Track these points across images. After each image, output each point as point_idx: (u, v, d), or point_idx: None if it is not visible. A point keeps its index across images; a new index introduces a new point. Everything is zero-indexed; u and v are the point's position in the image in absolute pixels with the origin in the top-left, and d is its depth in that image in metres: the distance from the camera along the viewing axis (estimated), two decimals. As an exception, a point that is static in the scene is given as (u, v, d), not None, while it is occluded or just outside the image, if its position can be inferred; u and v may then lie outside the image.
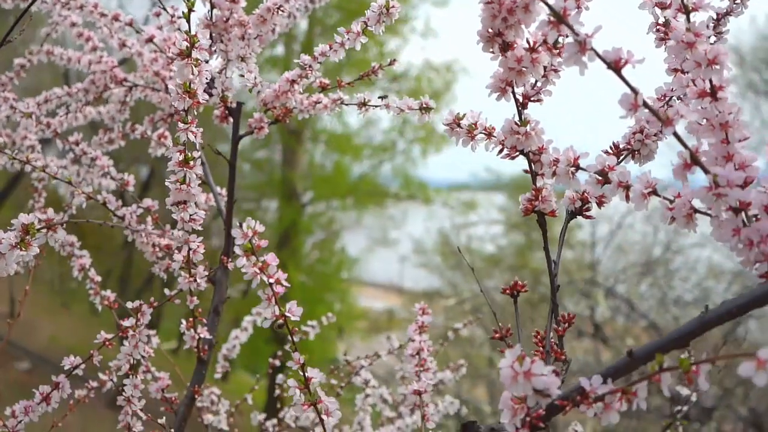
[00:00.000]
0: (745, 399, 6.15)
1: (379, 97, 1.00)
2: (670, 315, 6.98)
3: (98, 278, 1.12)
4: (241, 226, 0.62)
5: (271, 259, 0.64)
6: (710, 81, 0.55)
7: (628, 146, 0.70)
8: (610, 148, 0.70)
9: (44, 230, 0.67)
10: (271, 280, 0.63)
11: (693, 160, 0.52)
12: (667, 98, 0.70)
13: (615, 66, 0.51)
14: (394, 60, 1.03)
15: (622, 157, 0.70)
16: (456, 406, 1.34)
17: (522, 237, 10.16)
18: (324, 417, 0.66)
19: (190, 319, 0.98)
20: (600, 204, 0.69)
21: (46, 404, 0.92)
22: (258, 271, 0.63)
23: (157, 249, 1.04)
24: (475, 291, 8.37)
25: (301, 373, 0.66)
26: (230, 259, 1.00)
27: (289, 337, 0.66)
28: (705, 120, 0.56)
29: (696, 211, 0.55)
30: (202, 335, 0.99)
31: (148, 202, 1.08)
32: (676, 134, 0.52)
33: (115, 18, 1.12)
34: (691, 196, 0.55)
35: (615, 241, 7.40)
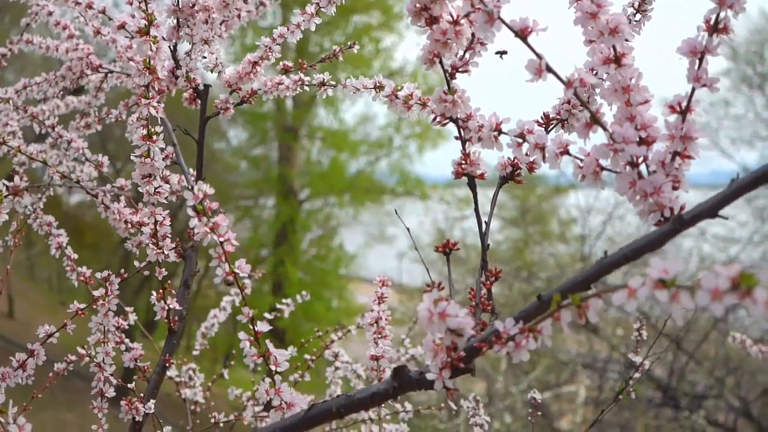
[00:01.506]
0: (736, 388, 6.22)
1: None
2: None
3: (75, 256, 1.17)
4: (192, 189, 0.67)
5: (221, 219, 0.69)
6: (614, 48, 0.60)
7: (558, 116, 0.75)
8: (541, 117, 0.75)
9: (11, 197, 0.72)
10: (222, 239, 0.68)
11: (593, 120, 0.57)
12: (594, 71, 0.75)
13: (522, 34, 0.56)
14: (355, 43, 1.08)
15: (551, 126, 0.75)
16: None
17: (518, 232, 10.21)
18: (272, 367, 0.71)
19: (160, 290, 1.03)
20: (531, 169, 0.74)
21: (22, 371, 0.97)
22: (209, 230, 0.68)
23: (129, 226, 1.08)
24: (468, 284, 8.45)
25: (251, 327, 0.71)
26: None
27: (240, 293, 0.71)
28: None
29: (603, 168, 0.60)
30: (172, 306, 1.04)
31: (121, 181, 1.13)
32: (576, 95, 0.57)
33: (89, 6, 1.16)
34: (597, 155, 0.60)
35: (607, 232, 7.46)
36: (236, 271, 0.69)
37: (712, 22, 0.58)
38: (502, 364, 6.27)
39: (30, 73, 1.50)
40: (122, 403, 1.01)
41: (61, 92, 1.30)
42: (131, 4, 1.16)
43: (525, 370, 6.29)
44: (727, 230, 7.50)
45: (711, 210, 0.53)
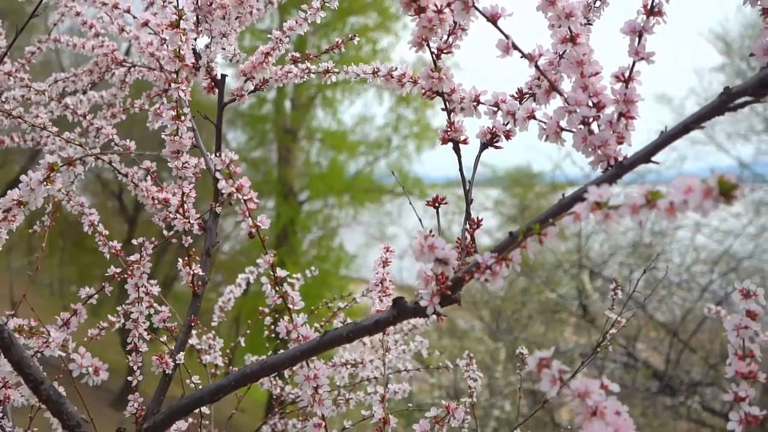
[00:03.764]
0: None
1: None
2: (659, 297, 7.21)
3: (106, 232, 1.29)
4: (220, 155, 0.80)
5: (245, 181, 0.82)
6: (569, 29, 0.73)
7: (530, 90, 0.87)
8: (516, 92, 0.88)
9: (65, 167, 0.85)
10: (246, 197, 0.81)
11: (552, 87, 0.70)
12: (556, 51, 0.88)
13: (492, 19, 0.69)
14: (355, 35, 1.21)
15: (525, 99, 0.87)
16: (426, 344, 1.52)
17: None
18: (290, 306, 0.84)
19: (186, 258, 1.16)
20: (507, 137, 0.86)
21: (66, 328, 1.09)
22: (235, 190, 0.81)
23: (156, 202, 1.21)
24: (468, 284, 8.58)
25: (271, 273, 0.84)
26: (219, 204, 1.18)
27: (262, 245, 0.84)
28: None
29: (562, 128, 0.73)
30: (196, 272, 1.16)
31: (147, 163, 1.26)
32: (537, 67, 0.70)
33: (115, 6, 1.30)
34: (557, 117, 0.73)
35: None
36: (258, 224, 0.82)
37: (648, 6, 0.71)
38: (501, 354, 6.39)
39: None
40: (153, 358, 1.14)
41: (88, 86, 1.43)
42: (152, 4, 1.29)
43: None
44: (719, 220, 7.63)
45: (645, 156, 0.66)
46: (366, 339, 1.62)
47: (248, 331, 1.66)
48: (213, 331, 1.53)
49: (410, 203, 1.12)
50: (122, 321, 1.30)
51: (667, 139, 0.65)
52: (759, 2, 0.67)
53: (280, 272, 0.84)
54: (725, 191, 0.45)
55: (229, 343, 1.74)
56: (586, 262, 6.58)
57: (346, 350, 1.48)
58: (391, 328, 1.59)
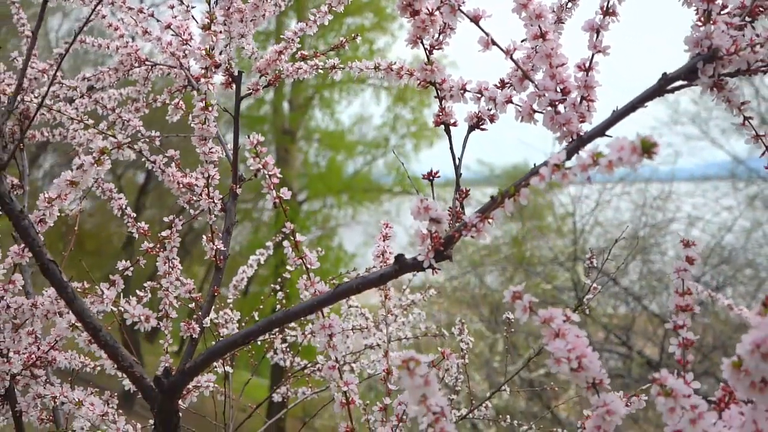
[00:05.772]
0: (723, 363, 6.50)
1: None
2: (653, 289, 7.38)
3: (133, 214, 1.44)
4: (248, 137, 0.95)
5: (270, 159, 0.96)
6: (539, 27, 0.87)
7: (510, 80, 1.02)
8: (499, 81, 1.02)
9: (115, 150, 0.99)
10: (270, 173, 0.95)
11: (525, 76, 0.85)
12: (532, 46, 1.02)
13: (475, 19, 0.84)
14: (357, 35, 1.35)
15: (506, 87, 1.02)
16: (423, 316, 1.67)
17: (516, 228, 10.46)
18: (308, 266, 0.98)
19: (209, 234, 1.30)
20: (491, 120, 1.01)
21: (104, 300, 1.23)
22: (261, 167, 0.95)
23: (180, 186, 1.35)
24: (468, 279, 8.77)
25: (292, 238, 0.98)
26: (239, 187, 1.32)
27: (284, 214, 0.98)
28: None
29: (534, 110, 0.88)
30: (218, 247, 1.31)
31: (171, 152, 1.40)
32: (512, 59, 0.85)
33: (140, 11, 1.44)
34: (530, 101, 0.87)
35: (599, 218, 7.78)
36: (281, 195, 0.96)
37: (605, 8, 0.85)
38: (499, 345, 6.54)
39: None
40: (182, 324, 1.28)
41: (114, 83, 1.57)
42: (172, 7, 1.44)
43: (519, 353, 6.57)
44: (712, 213, 7.80)
45: (601, 131, 0.80)
46: (368, 314, 1.77)
47: (261, 306, 1.81)
48: (231, 306, 1.67)
49: (416, 191, 1.26)
50: (149, 296, 1.44)
51: (618, 116, 0.80)
52: (693, 4, 0.81)
53: (300, 237, 0.98)
54: (647, 148, 0.60)
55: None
56: (581, 255, 6.73)
57: (351, 321, 1.62)
58: (392, 304, 1.73)
